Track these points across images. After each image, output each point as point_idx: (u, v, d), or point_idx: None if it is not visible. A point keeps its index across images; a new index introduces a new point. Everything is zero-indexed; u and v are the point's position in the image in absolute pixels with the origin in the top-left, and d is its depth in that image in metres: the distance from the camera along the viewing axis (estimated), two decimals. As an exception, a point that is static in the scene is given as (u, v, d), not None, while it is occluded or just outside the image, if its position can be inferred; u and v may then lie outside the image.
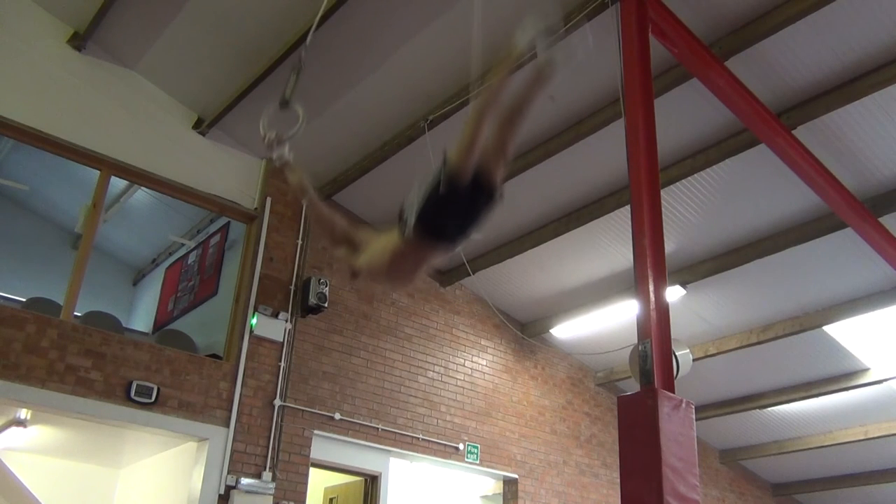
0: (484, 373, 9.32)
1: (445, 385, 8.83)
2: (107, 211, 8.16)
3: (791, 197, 7.20)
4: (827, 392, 9.62)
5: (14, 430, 7.33)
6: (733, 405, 10.50)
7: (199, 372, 6.99)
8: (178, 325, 8.69)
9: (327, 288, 7.77)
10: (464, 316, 9.38)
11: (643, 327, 4.17)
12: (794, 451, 11.19)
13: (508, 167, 2.98)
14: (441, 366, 8.88)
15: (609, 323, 9.16)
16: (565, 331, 9.66)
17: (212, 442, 6.82)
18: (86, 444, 7.93)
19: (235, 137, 7.90)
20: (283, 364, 7.48)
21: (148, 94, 7.52)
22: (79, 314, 7.24)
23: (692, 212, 7.64)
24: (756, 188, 7.26)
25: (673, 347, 4.25)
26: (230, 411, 7.02)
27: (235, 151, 7.99)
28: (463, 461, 8.68)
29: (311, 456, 7.47)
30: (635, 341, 4.24)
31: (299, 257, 7.96)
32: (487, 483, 9.96)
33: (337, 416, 7.71)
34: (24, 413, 7.09)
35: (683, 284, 8.31)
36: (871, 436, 10.30)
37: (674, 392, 3.95)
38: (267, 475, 7.03)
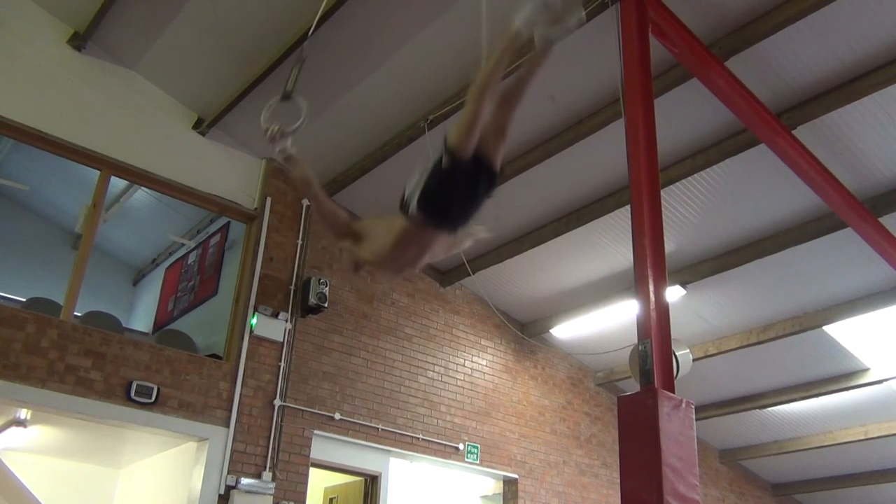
0: (484, 373, 9.32)
1: (445, 385, 8.83)
2: (107, 211, 8.15)
3: (791, 197, 7.19)
4: (827, 392, 9.62)
5: (14, 430, 7.32)
6: (733, 405, 10.49)
7: (199, 372, 6.99)
8: (178, 325, 8.68)
9: (327, 288, 7.77)
10: (464, 316, 9.38)
11: (643, 327, 4.16)
12: (794, 451, 11.18)
13: (506, 146, 2.99)
14: (441, 366, 8.88)
15: (609, 323, 9.15)
16: (565, 331, 9.66)
17: (212, 442, 6.83)
18: (86, 444, 7.93)
19: (235, 137, 7.90)
20: (283, 364, 7.48)
21: (148, 94, 7.52)
22: (79, 314, 7.24)
23: (692, 212, 7.64)
24: (756, 188, 7.26)
25: (673, 347, 4.25)
26: (230, 411, 7.03)
27: (235, 151, 7.99)
28: (463, 461, 8.67)
29: (311, 456, 7.47)
30: (635, 341, 4.24)
31: (299, 257, 7.96)
32: (487, 483, 9.96)
33: (337, 416, 7.71)
34: (24, 413, 7.09)
35: (683, 284, 8.31)
36: (871, 436, 10.29)
37: (674, 392, 3.94)
38: (267, 475, 7.03)
